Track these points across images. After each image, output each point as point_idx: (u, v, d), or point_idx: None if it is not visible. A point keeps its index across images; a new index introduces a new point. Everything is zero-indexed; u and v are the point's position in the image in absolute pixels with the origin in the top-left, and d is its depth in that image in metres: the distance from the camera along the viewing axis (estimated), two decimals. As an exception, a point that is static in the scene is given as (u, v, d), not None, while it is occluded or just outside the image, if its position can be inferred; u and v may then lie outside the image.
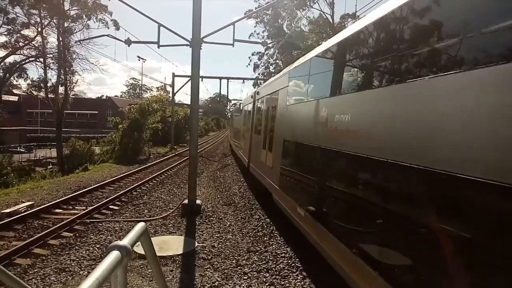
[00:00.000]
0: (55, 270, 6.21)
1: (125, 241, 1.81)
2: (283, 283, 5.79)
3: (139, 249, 6.28)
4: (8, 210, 9.66)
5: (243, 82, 38.39)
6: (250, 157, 13.81)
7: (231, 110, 49.00)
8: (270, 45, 40.58)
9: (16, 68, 29.86)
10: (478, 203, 2.49)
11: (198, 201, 10.46)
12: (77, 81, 31.30)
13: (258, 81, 38.03)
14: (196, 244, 7.58)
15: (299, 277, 5.97)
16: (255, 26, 46.55)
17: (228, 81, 34.30)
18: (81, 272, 6.17)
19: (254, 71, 50.05)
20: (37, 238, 7.52)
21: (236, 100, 42.72)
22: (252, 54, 50.25)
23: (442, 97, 2.83)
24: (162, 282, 2.60)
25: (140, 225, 2.18)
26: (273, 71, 45.02)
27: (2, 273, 2.51)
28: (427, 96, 3.06)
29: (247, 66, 62.23)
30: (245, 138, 17.01)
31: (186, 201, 10.22)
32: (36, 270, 6.23)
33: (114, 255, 1.62)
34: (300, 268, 6.31)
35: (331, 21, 37.65)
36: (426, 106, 3.05)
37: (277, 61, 46.56)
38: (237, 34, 11.54)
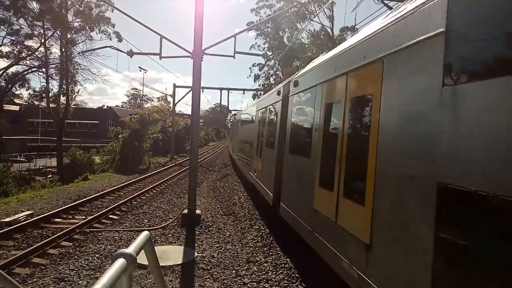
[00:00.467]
0: (54, 280, 6.19)
1: (130, 249, 1.85)
2: (282, 293, 5.77)
3: (139, 258, 6.25)
4: (7, 219, 9.67)
5: (244, 93, 38.66)
6: (282, 192, 8.09)
7: (231, 119, 48.82)
8: (271, 56, 41.03)
9: (18, 78, 30.13)
10: None
11: (198, 211, 10.46)
12: (78, 91, 31.56)
13: (258, 92, 38.33)
14: (196, 254, 7.57)
15: (299, 288, 5.95)
16: (256, 38, 47.07)
17: (228, 92, 34.62)
18: (80, 282, 6.16)
19: (254, 82, 50.46)
20: (36, 247, 7.50)
21: (237, 110, 42.85)
22: (253, 65, 50.71)
23: None
24: None
25: (144, 234, 2.22)
26: (273, 82, 45.37)
27: (4, 279, 2.53)
28: None
29: (248, 77, 62.73)
30: (264, 158, 10.74)
31: (186, 211, 10.22)
32: (35, 279, 6.22)
33: (119, 262, 1.66)
34: (300, 279, 6.29)
35: (330, 33, 38.19)
36: None
37: (277, 72, 46.98)
38: (238, 46, 11.75)
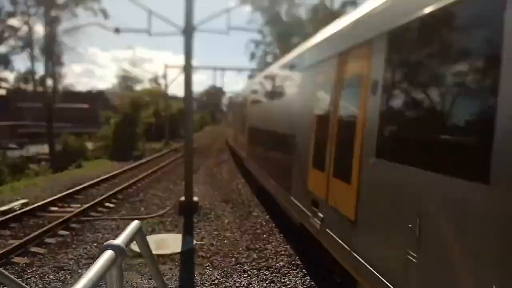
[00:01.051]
0: (53, 269, 6.19)
1: (119, 240, 1.79)
2: (283, 280, 5.83)
3: (137, 247, 6.26)
4: (3, 208, 9.58)
5: (239, 72, 38.24)
6: None
7: (226, 102, 47.81)
8: (268, 33, 40.17)
9: (1, 60, 29.31)
10: None
11: (195, 198, 10.37)
12: (65, 73, 30.89)
13: (254, 71, 37.83)
14: (195, 242, 7.58)
15: (299, 275, 6.01)
16: (252, 12, 45.85)
17: (223, 72, 33.93)
18: (79, 271, 6.16)
19: (250, 61, 49.23)
20: (33, 236, 7.44)
21: (232, 92, 42.31)
22: (250, 41, 49.40)
23: None
24: (160, 280, 2.59)
25: (135, 223, 2.15)
26: (270, 61, 44.70)
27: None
28: None
29: (244, 53, 61.51)
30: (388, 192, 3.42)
31: (183, 198, 10.16)
32: (34, 269, 6.21)
33: (108, 254, 1.61)
34: (300, 265, 6.36)
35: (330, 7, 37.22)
36: None
37: (275, 49, 46.01)
38: (234, 22, 11.38)
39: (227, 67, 34.16)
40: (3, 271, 2.59)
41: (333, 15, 34.11)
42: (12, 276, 2.75)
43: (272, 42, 43.01)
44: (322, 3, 38.13)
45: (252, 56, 48.86)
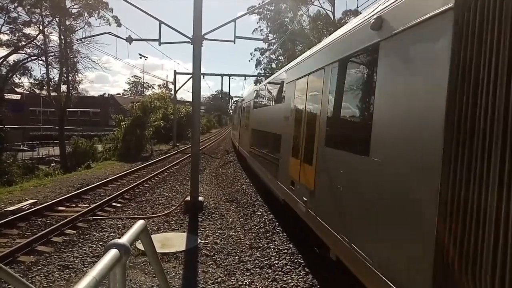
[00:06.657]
0: (59, 267, 6.24)
1: (124, 239, 1.79)
2: (285, 279, 5.78)
3: (142, 245, 6.30)
4: (11, 208, 9.72)
5: (245, 78, 38.64)
6: None
7: (234, 104, 48.19)
8: (273, 40, 40.47)
9: (18, 67, 29.90)
10: None
11: (200, 198, 10.47)
12: (81, 80, 31.41)
13: (260, 77, 38.03)
14: (199, 240, 7.59)
15: (301, 273, 5.96)
16: (257, 22, 46.37)
17: (229, 78, 34.33)
18: (84, 269, 6.20)
19: (256, 68, 50.06)
20: (40, 235, 7.54)
21: (238, 97, 42.55)
22: (255, 50, 50.22)
23: None
24: (163, 279, 2.59)
25: (140, 222, 2.16)
26: (274, 67, 44.89)
27: (4, 272, 2.51)
28: None
29: (249, 60, 62.19)
30: None
31: (188, 198, 10.24)
32: (39, 267, 6.27)
33: (112, 253, 1.60)
34: (303, 264, 6.31)
35: (332, 17, 37.55)
36: None
37: (280, 57, 46.42)
38: (240, 31, 11.60)
39: (233, 74, 34.50)
40: (8, 269, 2.61)
41: (335, 24, 34.23)
42: (16, 275, 2.77)
43: (277, 49, 43.20)
44: (323, 14, 38.38)
45: (258, 63, 49.48)
